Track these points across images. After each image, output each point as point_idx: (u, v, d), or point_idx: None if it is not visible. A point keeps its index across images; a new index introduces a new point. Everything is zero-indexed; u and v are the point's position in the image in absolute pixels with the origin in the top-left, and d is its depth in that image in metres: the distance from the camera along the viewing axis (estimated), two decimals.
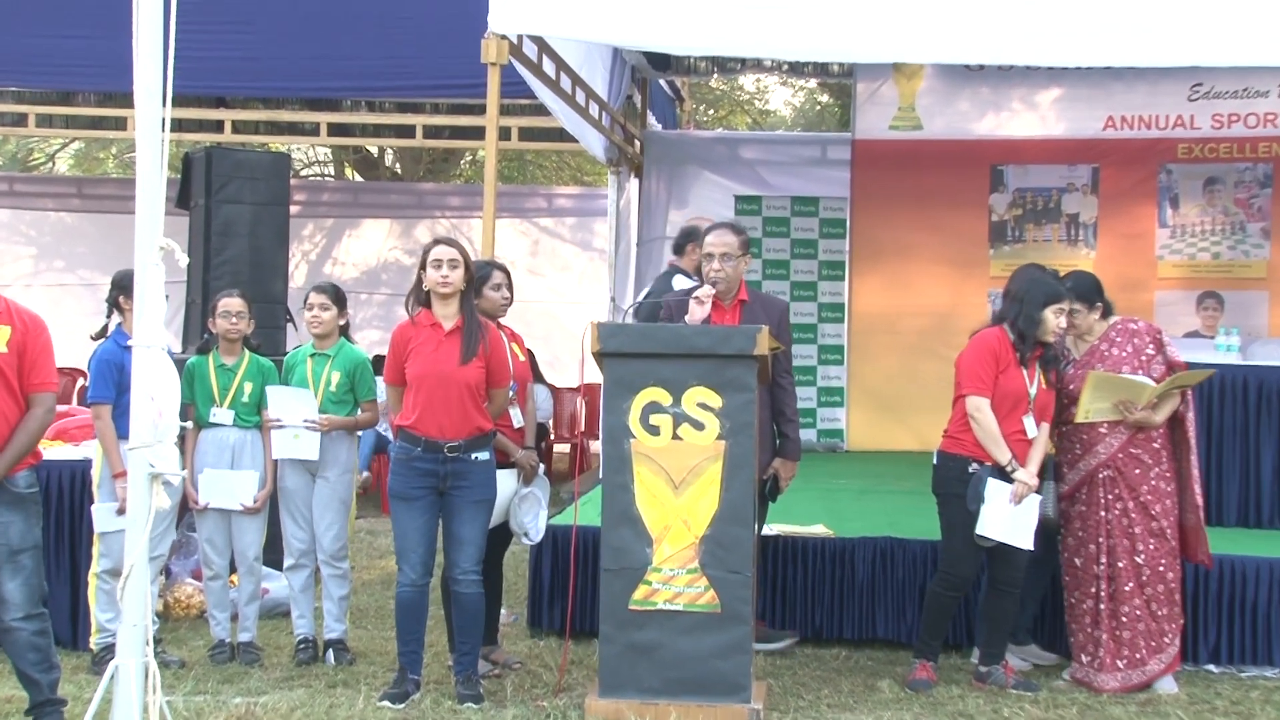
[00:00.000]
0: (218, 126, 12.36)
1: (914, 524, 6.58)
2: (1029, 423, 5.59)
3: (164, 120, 3.81)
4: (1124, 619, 5.67)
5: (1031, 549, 5.58)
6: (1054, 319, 5.58)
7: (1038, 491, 5.56)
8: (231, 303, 6.09)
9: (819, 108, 22.86)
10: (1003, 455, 5.51)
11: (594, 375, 5.37)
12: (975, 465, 5.56)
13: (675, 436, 5.01)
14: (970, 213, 11.44)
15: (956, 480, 5.59)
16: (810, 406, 11.35)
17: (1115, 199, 11.31)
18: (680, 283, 6.17)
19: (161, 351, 3.90)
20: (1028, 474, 5.51)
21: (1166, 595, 5.70)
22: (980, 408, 5.54)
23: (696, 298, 5.59)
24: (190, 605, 6.81)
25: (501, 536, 5.81)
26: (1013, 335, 5.60)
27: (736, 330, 5.17)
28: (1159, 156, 11.22)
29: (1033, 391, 5.58)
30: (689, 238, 6.24)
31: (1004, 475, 5.51)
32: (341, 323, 6.18)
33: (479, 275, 5.59)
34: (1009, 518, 5.50)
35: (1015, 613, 5.82)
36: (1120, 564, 5.69)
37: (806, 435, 11.21)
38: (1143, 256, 11.26)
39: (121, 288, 5.88)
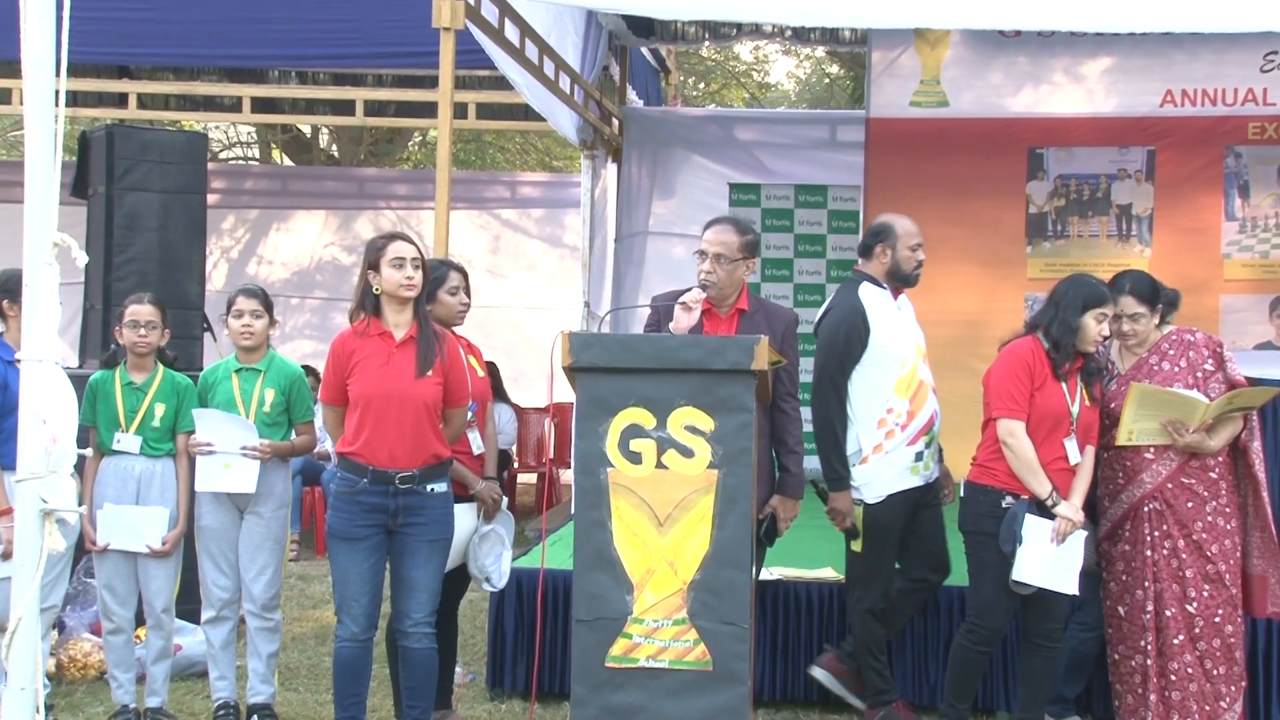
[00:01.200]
0: (120, 101, 12.36)
1: None
2: (1071, 447, 5.57)
3: (58, 93, 3.81)
4: (1173, 677, 5.64)
5: (1076, 594, 5.57)
6: (1096, 326, 5.54)
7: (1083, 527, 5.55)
8: (140, 310, 6.07)
9: (827, 81, 22.95)
10: (1042, 487, 5.49)
11: (565, 393, 5.38)
12: (1010, 499, 5.54)
13: (660, 465, 5.01)
14: (1005, 204, 11.46)
15: (988, 517, 5.57)
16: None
17: (1174, 187, 11.32)
18: (868, 293, 5.99)
19: (55, 366, 3.88)
20: (1071, 508, 5.48)
21: (1224, 651, 5.67)
22: (1014, 432, 5.52)
23: (683, 303, 5.56)
24: (88, 665, 6.79)
25: (457, 582, 5.82)
26: (1047, 344, 5.60)
27: (731, 341, 5.17)
28: (1226, 137, 11.25)
29: (1075, 410, 5.57)
30: (878, 237, 5.99)
31: (1044, 510, 5.51)
32: (272, 333, 6.19)
33: (433, 277, 5.59)
34: (1050, 560, 5.48)
35: (1055, 672, 5.81)
36: (1168, 613, 5.65)
37: (811, 463, 11.22)
38: (1206, 254, 11.29)
39: (6, 290, 5.86)
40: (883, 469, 5.90)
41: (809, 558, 6.91)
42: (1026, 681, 5.76)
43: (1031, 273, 11.28)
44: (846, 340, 5.89)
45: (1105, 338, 5.63)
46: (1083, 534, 5.50)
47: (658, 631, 4.98)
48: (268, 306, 6.12)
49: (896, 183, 11.46)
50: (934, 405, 6.05)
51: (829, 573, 6.67)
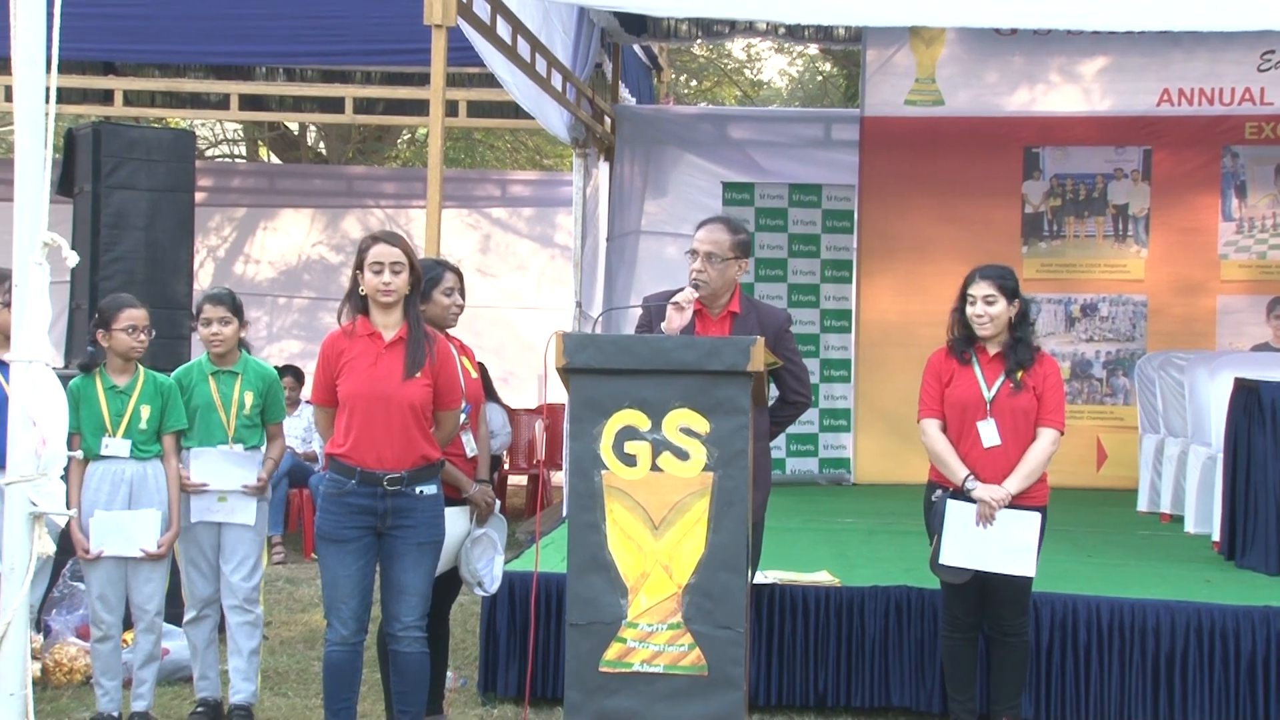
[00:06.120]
0: (106, 98, 12.32)
1: None
2: (986, 429, 5.68)
3: (48, 90, 3.81)
4: None
5: (1032, 575, 5.65)
6: (969, 309, 5.77)
7: (1034, 509, 5.61)
8: (136, 315, 6.06)
9: (821, 79, 22.98)
10: (955, 474, 5.67)
11: (555, 394, 5.38)
12: (940, 492, 5.74)
13: (655, 467, 5.02)
14: (1000, 203, 11.53)
15: (928, 510, 5.83)
16: (811, 431, 11.38)
17: (1171, 187, 11.40)
18: None
19: (46, 368, 3.88)
20: (990, 489, 5.58)
21: None
22: (923, 429, 5.80)
23: (675, 302, 5.59)
24: (74, 670, 6.77)
25: (448, 586, 5.82)
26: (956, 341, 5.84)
27: (727, 342, 5.19)
28: (1223, 137, 11.32)
29: (990, 394, 5.68)
30: None
31: (969, 496, 5.65)
32: (242, 335, 6.27)
33: (427, 277, 5.60)
34: (976, 541, 5.59)
35: (1019, 664, 5.89)
36: None
37: (807, 465, 11.27)
38: (1203, 255, 11.36)
39: None
40: None
41: (805, 561, 6.93)
42: (994, 675, 5.89)
43: (1027, 273, 11.30)
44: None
45: (981, 318, 5.74)
46: (1032, 515, 5.60)
47: (652, 636, 4.99)
48: (235, 311, 6.19)
49: (891, 182, 11.54)
50: None
51: (824, 576, 6.68)
